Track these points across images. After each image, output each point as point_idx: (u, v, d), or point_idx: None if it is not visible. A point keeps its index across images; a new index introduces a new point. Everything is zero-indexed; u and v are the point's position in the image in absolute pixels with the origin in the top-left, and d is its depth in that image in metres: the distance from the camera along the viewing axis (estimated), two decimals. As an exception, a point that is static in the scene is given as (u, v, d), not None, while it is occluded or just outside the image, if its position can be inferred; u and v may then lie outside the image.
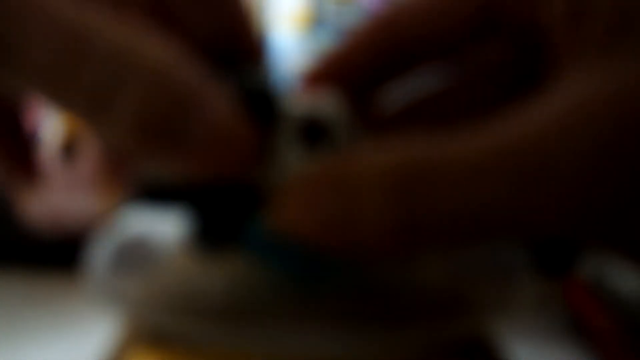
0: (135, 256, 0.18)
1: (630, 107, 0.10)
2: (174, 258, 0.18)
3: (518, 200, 0.11)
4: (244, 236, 0.16)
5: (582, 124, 0.10)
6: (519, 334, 0.34)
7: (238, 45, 0.17)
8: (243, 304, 0.16)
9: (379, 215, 0.12)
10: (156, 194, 0.15)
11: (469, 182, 0.11)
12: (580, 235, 0.12)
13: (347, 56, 0.16)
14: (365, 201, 0.12)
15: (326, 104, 0.14)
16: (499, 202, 0.11)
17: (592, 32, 0.12)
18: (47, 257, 0.39)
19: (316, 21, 0.56)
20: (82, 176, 0.39)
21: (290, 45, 0.50)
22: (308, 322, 0.14)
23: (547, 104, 0.11)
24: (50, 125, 0.39)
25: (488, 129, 0.11)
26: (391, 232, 0.12)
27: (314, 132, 0.14)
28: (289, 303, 0.16)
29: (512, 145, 0.11)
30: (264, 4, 0.50)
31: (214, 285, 0.17)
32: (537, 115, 0.11)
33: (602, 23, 0.12)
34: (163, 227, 0.19)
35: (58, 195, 0.38)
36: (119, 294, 0.15)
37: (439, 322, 0.13)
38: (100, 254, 0.17)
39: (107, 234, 0.18)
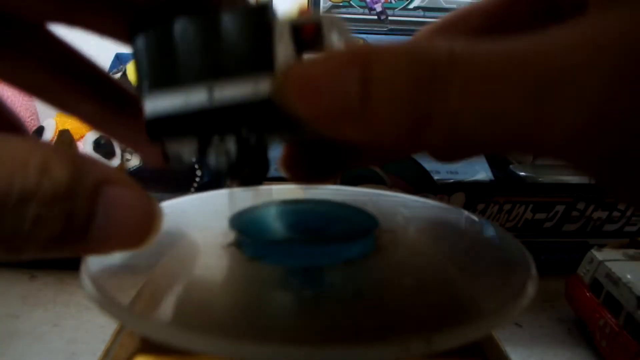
0: (136, 257, 0.18)
1: None
2: (173, 259, 0.18)
3: (530, 112, 0.10)
4: (243, 235, 0.16)
5: (606, 49, 0.10)
6: (520, 334, 0.34)
7: None
8: (243, 312, 0.15)
9: (395, 96, 0.11)
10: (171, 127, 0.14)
11: (486, 83, 0.11)
12: (581, 165, 0.11)
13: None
14: (383, 77, 0.11)
15: (318, 14, 0.14)
16: (511, 110, 0.11)
17: None
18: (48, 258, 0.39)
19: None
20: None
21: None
22: (307, 333, 0.14)
23: (574, 26, 0.11)
24: (49, 125, 0.40)
25: (511, 39, 0.11)
26: (403, 118, 0.11)
27: (310, 40, 0.14)
28: (289, 311, 0.15)
29: (535, 55, 0.11)
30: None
31: (212, 288, 0.17)
32: (564, 34, 0.11)
33: None
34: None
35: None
36: (119, 294, 0.15)
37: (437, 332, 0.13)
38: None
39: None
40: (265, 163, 0.15)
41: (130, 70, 0.43)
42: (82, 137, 0.40)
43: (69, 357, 0.30)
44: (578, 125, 0.10)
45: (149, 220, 0.12)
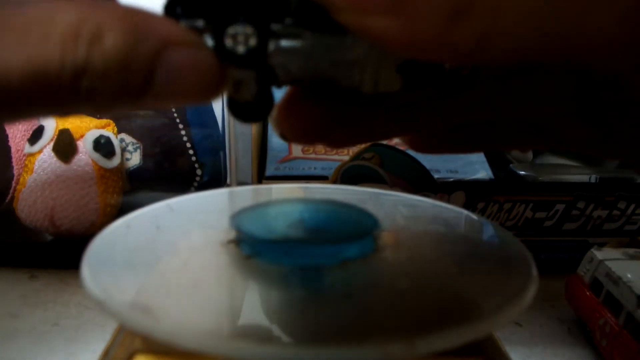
0: (136, 256, 0.18)
1: None
2: (173, 258, 0.18)
3: (572, 20, 0.10)
4: (242, 233, 0.16)
5: None
6: (520, 333, 0.34)
7: None
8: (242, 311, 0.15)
9: None
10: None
11: None
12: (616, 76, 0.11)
13: None
14: None
15: None
16: (552, 8, 0.10)
17: None
18: (48, 257, 0.39)
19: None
20: (80, 174, 0.39)
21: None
22: (309, 334, 0.14)
23: None
24: (49, 124, 0.40)
25: None
26: (439, 12, 0.10)
27: None
28: (290, 312, 0.15)
29: None
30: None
31: (212, 288, 0.17)
32: None
33: None
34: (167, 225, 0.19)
35: (57, 194, 0.38)
36: (119, 294, 0.15)
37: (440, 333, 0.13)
38: (100, 254, 0.17)
39: (107, 233, 0.18)
40: (269, 97, 0.14)
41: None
42: (82, 136, 0.40)
43: (69, 357, 0.30)
44: (614, 30, 0.10)
45: (214, 82, 0.12)
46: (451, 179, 0.38)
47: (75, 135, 0.39)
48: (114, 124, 0.41)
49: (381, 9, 0.11)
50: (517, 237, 0.19)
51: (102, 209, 0.39)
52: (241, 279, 0.17)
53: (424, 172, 0.36)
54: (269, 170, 0.40)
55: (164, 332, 0.13)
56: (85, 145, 0.39)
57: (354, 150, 0.39)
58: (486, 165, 0.41)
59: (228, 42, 0.13)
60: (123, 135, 0.41)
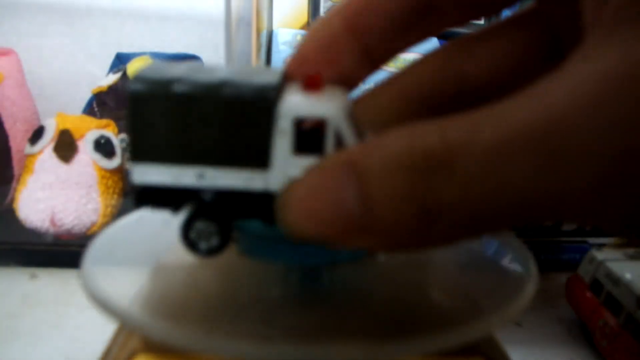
0: (136, 255, 0.18)
1: None
2: (172, 259, 0.18)
3: (548, 181, 0.10)
4: (240, 232, 0.16)
5: (608, 97, 0.10)
6: (520, 334, 0.34)
7: None
8: (240, 309, 0.15)
9: (396, 199, 0.11)
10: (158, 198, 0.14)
11: (493, 164, 0.10)
12: (604, 221, 0.11)
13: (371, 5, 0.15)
14: (381, 185, 0.11)
15: (325, 101, 0.13)
16: (526, 184, 0.10)
17: (617, 4, 0.11)
18: (48, 257, 0.39)
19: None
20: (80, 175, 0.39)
21: (291, 44, 0.50)
22: (307, 332, 0.14)
23: (570, 77, 0.11)
24: (50, 125, 0.40)
25: (508, 108, 0.11)
26: (409, 219, 0.11)
27: (311, 134, 0.13)
28: (288, 310, 0.15)
29: (536, 123, 0.10)
30: (265, 4, 0.50)
31: (211, 287, 0.17)
32: (561, 91, 0.10)
33: None
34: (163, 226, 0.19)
35: (57, 195, 0.38)
36: (119, 294, 0.15)
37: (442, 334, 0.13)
38: (100, 253, 0.17)
39: (107, 233, 0.18)
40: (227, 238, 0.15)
41: (131, 69, 0.43)
42: (82, 136, 0.40)
43: (69, 357, 0.30)
44: (594, 184, 0.10)
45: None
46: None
47: (76, 136, 0.39)
48: (114, 125, 0.41)
49: (354, 233, 0.12)
50: (517, 237, 0.19)
51: (103, 209, 0.39)
52: (237, 278, 0.17)
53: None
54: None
55: (164, 332, 0.13)
56: (85, 146, 0.39)
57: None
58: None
59: (193, 235, 0.15)
60: (123, 136, 0.41)
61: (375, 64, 0.16)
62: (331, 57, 0.15)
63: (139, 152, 0.14)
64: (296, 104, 0.13)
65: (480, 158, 0.10)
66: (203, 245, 0.15)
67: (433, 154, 0.11)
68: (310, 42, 0.15)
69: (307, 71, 0.15)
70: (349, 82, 0.16)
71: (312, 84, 0.14)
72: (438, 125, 0.11)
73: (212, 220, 0.14)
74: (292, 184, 0.13)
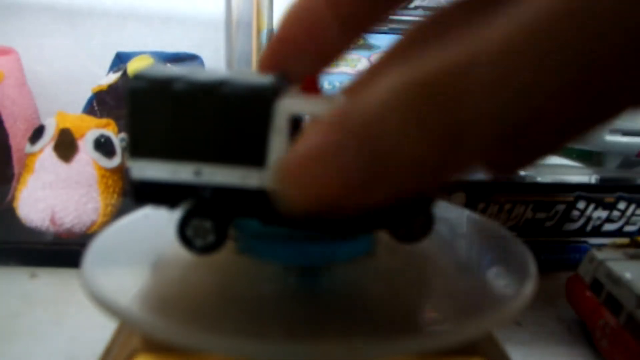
0: (137, 255, 0.18)
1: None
2: (172, 257, 0.18)
3: (558, 85, 0.10)
4: (239, 231, 0.16)
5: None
6: (520, 333, 0.34)
7: None
8: (239, 309, 0.16)
9: (411, 128, 0.10)
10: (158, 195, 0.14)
11: (501, 73, 0.10)
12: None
13: None
14: (389, 131, 0.10)
15: (320, 100, 0.14)
16: (537, 77, 0.09)
17: None
18: (48, 256, 0.39)
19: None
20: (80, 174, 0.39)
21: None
22: (306, 331, 0.14)
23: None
24: (50, 124, 0.40)
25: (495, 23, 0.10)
26: (427, 154, 0.10)
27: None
28: (287, 308, 0.15)
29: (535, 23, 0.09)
30: (266, 4, 0.49)
31: (211, 286, 0.17)
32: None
33: None
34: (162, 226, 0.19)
35: (57, 194, 0.38)
36: (119, 293, 0.15)
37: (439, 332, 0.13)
38: (100, 253, 0.17)
39: (107, 232, 0.18)
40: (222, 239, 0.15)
41: (131, 68, 0.43)
42: (82, 135, 0.40)
43: (69, 357, 0.30)
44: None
45: None
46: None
47: (76, 135, 0.39)
48: (114, 124, 0.41)
49: (353, 193, 0.11)
50: (517, 237, 0.19)
51: (103, 208, 0.39)
52: (237, 277, 0.17)
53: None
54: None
55: (164, 331, 0.13)
56: (85, 145, 0.39)
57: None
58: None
59: (189, 231, 0.15)
60: (123, 135, 0.41)
61: (356, 34, 0.16)
62: (312, 31, 0.15)
63: (138, 148, 0.14)
64: (291, 101, 0.13)
65: (490, 67, 0.10)
66: (199, 242, 0.15)
67: (438, 78, 0.10)
68: (290, 18, 0.15)
69: (290, 49, 0.15)
70: (330, 55, 0.16)
71: (308, 87, 0.14)
72: (432, 56, 0.10)
73: (208, 218, 0.14)
74: (285, 157, 0.12)
